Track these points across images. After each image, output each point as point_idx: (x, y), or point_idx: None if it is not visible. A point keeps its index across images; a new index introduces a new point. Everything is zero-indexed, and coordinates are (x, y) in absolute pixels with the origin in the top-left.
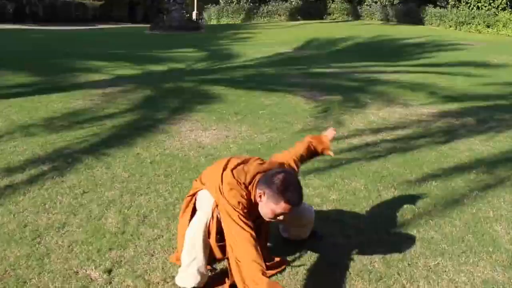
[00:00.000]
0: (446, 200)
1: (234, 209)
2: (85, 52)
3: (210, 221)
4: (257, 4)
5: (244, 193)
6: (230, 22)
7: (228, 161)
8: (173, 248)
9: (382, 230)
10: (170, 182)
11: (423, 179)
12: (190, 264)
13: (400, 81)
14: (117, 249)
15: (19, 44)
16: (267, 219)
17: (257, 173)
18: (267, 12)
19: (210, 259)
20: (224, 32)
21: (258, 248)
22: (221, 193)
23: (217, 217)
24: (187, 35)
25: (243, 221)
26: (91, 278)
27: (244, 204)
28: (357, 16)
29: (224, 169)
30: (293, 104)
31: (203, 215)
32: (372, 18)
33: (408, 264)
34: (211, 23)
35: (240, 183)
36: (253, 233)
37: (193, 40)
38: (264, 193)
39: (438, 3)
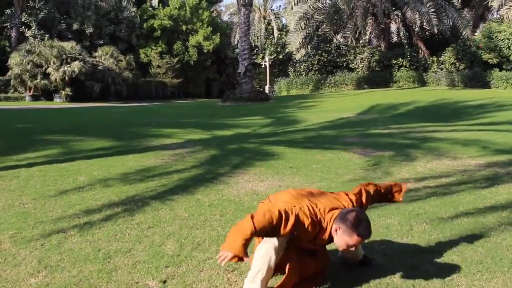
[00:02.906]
0: (474, 232)
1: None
2: (160, 122)
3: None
4: (324, 75)
5: (316, 224)
6: (299, 93)
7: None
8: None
9: (406, 255)
10: (224, 220)
11: (456, 216)
12: (256, 276)
13: (454, 138)
14: (172, 266)
15: (103, 117)
16: (340, 249)
17: (331, 209)
18: (334, 82)
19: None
20: (291, 102)
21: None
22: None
23: None
24: (256, 105)
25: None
26: (149, 286)
27: (310, 226)
28: (423, 83)
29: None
30: (346, 159)
31: (274, 241)
32: (438, 84)
33: (424, 279)
34: (281, 94)
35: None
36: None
37: (261, 109)
38: (339, 228)
39: (504, 66)
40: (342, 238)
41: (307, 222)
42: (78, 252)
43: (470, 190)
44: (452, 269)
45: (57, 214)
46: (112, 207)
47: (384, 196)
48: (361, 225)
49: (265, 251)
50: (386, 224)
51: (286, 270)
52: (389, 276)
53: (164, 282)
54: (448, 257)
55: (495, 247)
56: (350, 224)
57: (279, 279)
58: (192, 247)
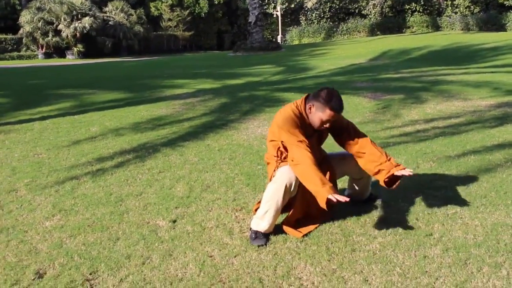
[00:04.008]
0: (480, 168)
1: (287, 129)
2: (171, 73)
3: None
4: (336, 23)
5: (296, 109)
6: (311, 42)
7: None
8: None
9: (410, 190)
10: (233, 163)
11: (463, 154)
12: (264, 215)
13: (465, 81)
14: (182, 207)
15: (115, 71)
16: (316, 127)
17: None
18: (346, 29)
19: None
20: (303, 50)
21: (314, 158)
22: (277, 125)
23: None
24: (267, 55)
25: (296, 139)
26: (159, 226)
27: (296, 116)
28: (437, 28)
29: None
30: (355, 103)
31: (284, 180)
32: (452, 29)
33: (428, 213)
34: (293, 43)
35: (292, 106)
36: (307, 147)
37: (273, 58)
38: (313, 105)
39: None
40: (316, 115)
41: (296, 121)
42: (91, 197)
43: (479, 130)
44: (456, 203)
45: (71, 163)
46: (123, 154)
47: (370, 160)
48: (332, 99)
49: (273, 192)
50: None
51: (292, 207)
52: (394, 211)
53: (174, 221)
54: (453, 193)
55: (500, 182)
56: (322, 99)
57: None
58: (202, 189)
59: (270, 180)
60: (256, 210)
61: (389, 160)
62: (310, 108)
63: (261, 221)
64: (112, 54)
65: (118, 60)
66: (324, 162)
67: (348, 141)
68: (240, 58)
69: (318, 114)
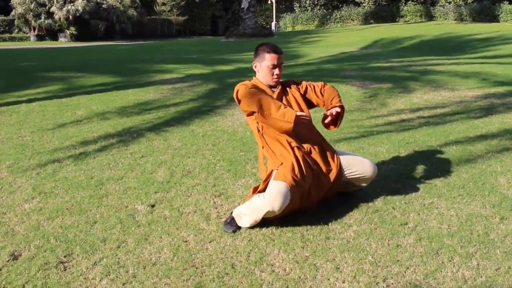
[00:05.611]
0: (461, 159)
1: (243, 91)
2: (162, 58)
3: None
4: (330, 10)
5: (247, 82)
6: (305, 29)
7: None
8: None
9: (390, 180)
10: (216, 149)
11: (445, 144)
12: (247, 216)
13: (454, 71)
14: (161, 192)
15: (106, 54)
16: (271, 81)
17: None
18: (340, 17)
19: None
20: (295, 37)
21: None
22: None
23: None
24: (259, 41)
25: (255, 93)
26: (137, 210)
27: (250, 85)
28: (430, 17)
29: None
30: (343, 92)
31: (268, 205)
32: (445, 19)
33: (405, 203)
34: (287, 30)
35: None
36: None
37: None
38: (256, 62)
39: None
40: (262, 67)
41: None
42: (71, 180)
43: (463, 120)
44: (434, 193)
45: (54, 146)
46: (107, 138)
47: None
48: (268, 46)
49: (257, 207)
50: (375, 152)
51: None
52: (371, 200)
53: (153, 206)
54: (432, 182)
55: (479, 173)
56: (260, 51)
57: None
58: (182, 174)
59: (266, 175)
60: (253, 189)
61: (331, 104)
62: (255, 67)
63: (244, 218)
64: (105, 37)
65: (110, 44)
66: (332, 159)
67: (316, 95)
68: (233, 44)
69: (264, 65)
